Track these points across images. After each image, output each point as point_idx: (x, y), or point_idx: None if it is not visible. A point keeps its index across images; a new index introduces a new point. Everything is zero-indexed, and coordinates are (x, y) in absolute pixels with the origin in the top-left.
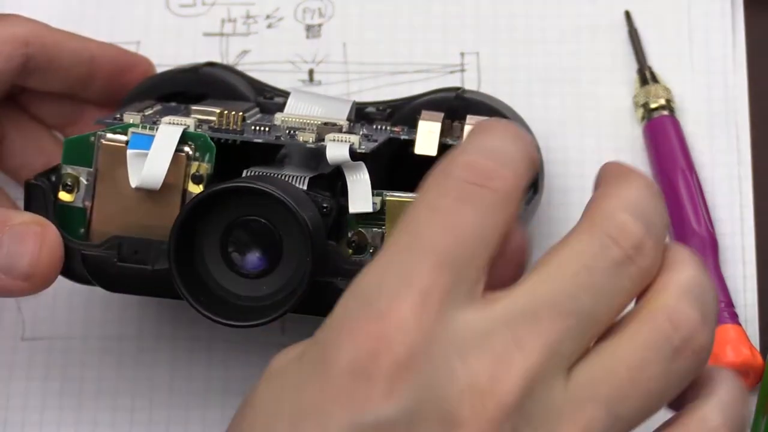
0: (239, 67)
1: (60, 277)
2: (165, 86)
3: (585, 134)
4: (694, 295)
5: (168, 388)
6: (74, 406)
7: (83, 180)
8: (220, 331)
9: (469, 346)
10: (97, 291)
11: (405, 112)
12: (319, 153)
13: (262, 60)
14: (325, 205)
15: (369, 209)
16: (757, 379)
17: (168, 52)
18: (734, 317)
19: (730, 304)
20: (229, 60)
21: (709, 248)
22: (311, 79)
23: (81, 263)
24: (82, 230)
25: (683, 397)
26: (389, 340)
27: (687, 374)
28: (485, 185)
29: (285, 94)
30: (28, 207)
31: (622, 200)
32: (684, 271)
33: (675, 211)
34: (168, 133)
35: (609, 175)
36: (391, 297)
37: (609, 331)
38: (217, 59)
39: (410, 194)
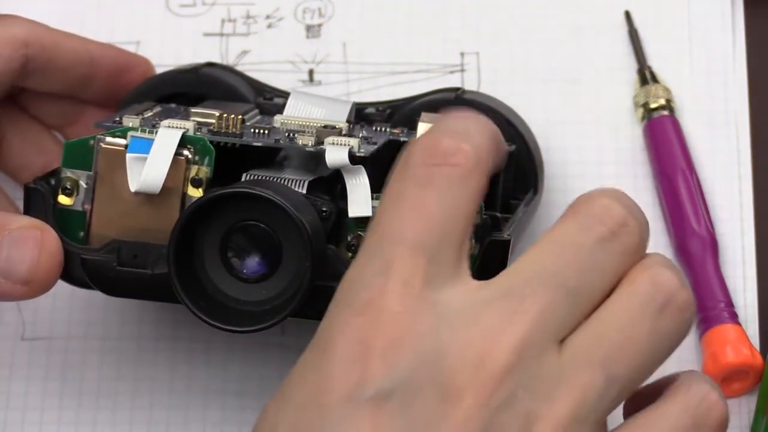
0: (239, 67)
1: (59, 280)
2: (164, 87)
3: (585, 134)
4: (670, 265)
5: (168, 388)
6: (74, 406)
7: (83, 183)
8: (220, 331)
9: (458, 321)
10: (97, 292)
11: (405, 112)
12: (318, 155)
13: (262, 60)
14: (324, 209)
15: (369, 213)
16: (757, 379)
17: (168, 52)
18: (734, 317)
19: (730, 304)
20: (229, 60)
21: (709, 248)
22: (311, 79)
23: (80, 267)
24: (82, 234)
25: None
26: (378, 326)
27: (675, 333)
28: (445, 163)
29: (285, 95)
30: (28, 211)
31: (603, 192)
32: (658, 255)
33: (675, 211)
34: (167, 136)
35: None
36: (373, 288)
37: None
38: (217, 59)
39: None
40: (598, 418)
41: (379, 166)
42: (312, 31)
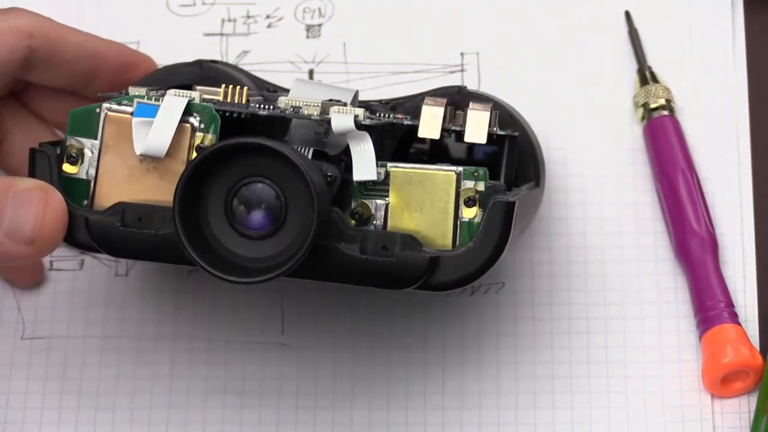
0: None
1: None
2: (168, 80)
3: (585, 134)
4: None
5: (168, 388)
6: (74, 406)
7: (88, 152)
8: (220, 331)
9: None
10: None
11: (407, 108)
12: (323, 138)
13: (262, 60)
14: (329, 173)
15: (373, 177)
16: (757, 379)
17: (168, 51)
18: (734, 317)
19: (730, 304)
20: (229, 60)
21: (709, 248)
22: (311, 79)
23: (85, 230)
24: (86, 202)
25: None
26: None
27: None
28: None
29: (287, 91)
30: (33, 174)
31: None
32: None
33: (675, 211)
34: (173, 102)
35: None
36: None
37: None
38: (217, 59)
39: (413, 165)
40: None
41: (383, 143)
42: (312, 31)
